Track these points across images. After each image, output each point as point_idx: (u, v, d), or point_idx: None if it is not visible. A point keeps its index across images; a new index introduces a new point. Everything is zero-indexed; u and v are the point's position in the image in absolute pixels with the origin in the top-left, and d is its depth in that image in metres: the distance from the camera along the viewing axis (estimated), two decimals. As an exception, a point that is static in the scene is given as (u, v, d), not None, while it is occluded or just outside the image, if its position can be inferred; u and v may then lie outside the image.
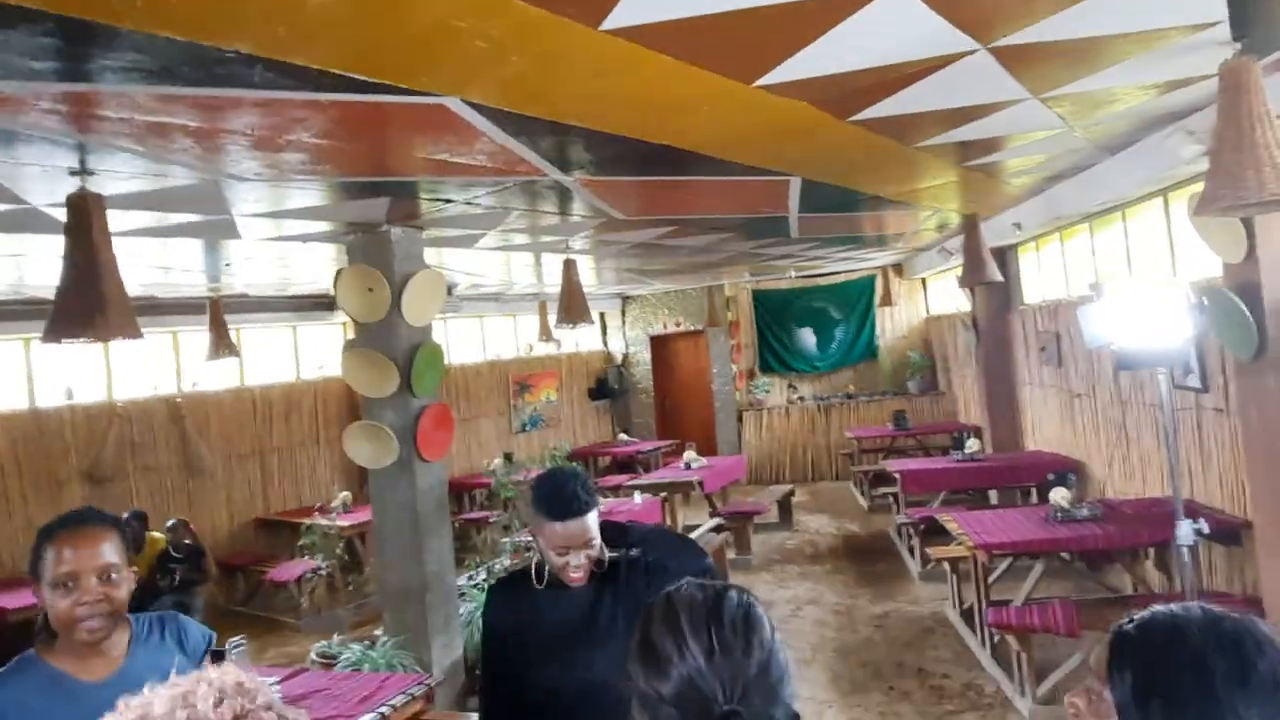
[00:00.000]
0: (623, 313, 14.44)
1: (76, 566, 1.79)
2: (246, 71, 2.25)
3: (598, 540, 2.10)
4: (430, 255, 6.64)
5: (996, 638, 4.99)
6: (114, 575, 1.84)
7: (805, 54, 2.70)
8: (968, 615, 5.74)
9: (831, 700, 5.02)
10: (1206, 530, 3.50)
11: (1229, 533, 4.56)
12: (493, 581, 2.41)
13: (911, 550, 7.55)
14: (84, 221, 2.93)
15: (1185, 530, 3.47)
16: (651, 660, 1.21)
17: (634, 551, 2.22)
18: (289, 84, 2.42)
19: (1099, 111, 3.96)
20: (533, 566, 2.18)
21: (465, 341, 11.94)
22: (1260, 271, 3.67)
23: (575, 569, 2.06)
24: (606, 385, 14.04)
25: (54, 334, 2.85)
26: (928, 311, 12.88)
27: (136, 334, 3.01)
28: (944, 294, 11.99)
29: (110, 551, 1.84)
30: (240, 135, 2.89)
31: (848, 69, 2.93)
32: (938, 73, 3.09)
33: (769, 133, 3.75)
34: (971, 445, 7.92)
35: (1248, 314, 3.67)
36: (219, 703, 0.80)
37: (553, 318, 9.84)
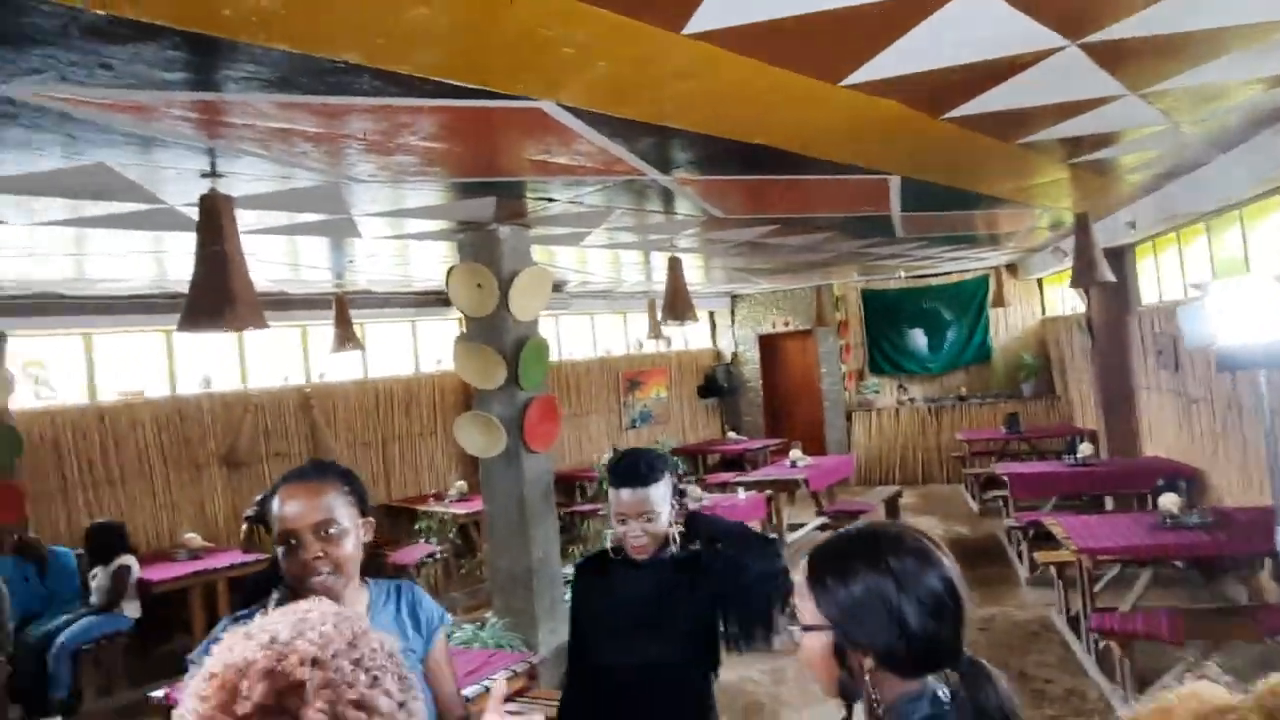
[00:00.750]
0: (732, 311, 14.48)
1: (295, 524, 1.72)
2: (356, 80, 2.48)
3: (659, 516, 2.22)
4: (540, 253, 6.92)
5: (1101, 644, 4.84)
6: (332, 530, 1.73)
7: (887, 54, 2.74)
8: (1074, 621, 5.56)
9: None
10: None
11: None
12: (579, 560, 2.59)
13: (1020, 555, 7.33)
14: (214, 220, 3.26)
15: (1288, 536, 3.31)
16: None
17: (704, 545, 2.33)
18: (395, 91, 2.65)
19: (1205, 107, 3.81)
20: (609, 542, 2.34)
21: (576, 338, 12.24)
22: (1390, 266, 3.45)
23: (634, 538, 2.21)
24: (715, 383, 14.11)
25: (188, 324, 3.18)
26: (1043, 313, 12.39)
27: (263, 325, 3.31)
28: (1059, 295, 11.51)
29: (329, 506, 1.74)
30: (354, 139, 3.15)
31: (932, 67, 2.95)
32: (1028, 70, 3.06)
33: (858, 131, 3.77)
34: (1084, 450, 7.62)
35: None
36: (337, 623, 0.83)
37: (661, 315, 10.04)
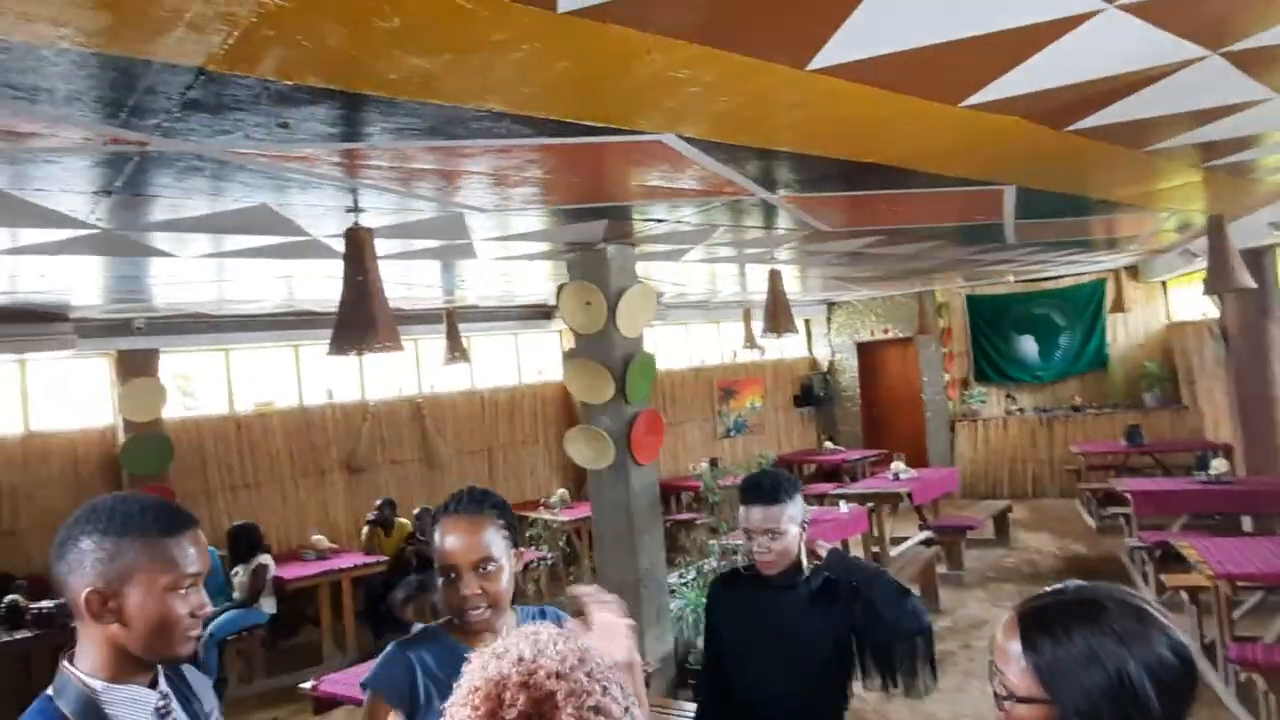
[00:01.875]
0: (828, 319, 14.30)
1: (455, 560, 1.78)
2: (495, 125, 2.60)
3: (786, 534, 2.29)
4: (639, 267, 7.02)
5: (1242, 676, 4.59)
6: (490, 567, 1.79)
7: (1013, 75, 2.71)
8: (1209, 650, 5.29)
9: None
10: None
11: None
12: (714, 577, 2.67)
13: (1145, 577, 7.01)
14: (358, 251, 3.46)
15: None
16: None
17: (842, 579, 2.35)
18: (528, 132, 2.76)
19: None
20: (741, 558, 2.40)
21: (671, 348, 12.32)
22: None
23: (760, 553, 2.30)
24: (811, 392, 13.97)
25: (338, 347, 3.39)
26: (1168, 318, 11.76)
27: (399, 347, 3.50)
28: (1187, 299, 10.92)
29: (488, 544, 1.80)
30: (484, 175, 3.29)
31: (1059, 84, 2.89)
32: (1165, 80, 2.96)
33: (977, 147, 3.71)
34: (1218, 466, 7.22)
35: None
36: (562, 642, 0.97)
37: (757, 325, 10.02)
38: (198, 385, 8.05)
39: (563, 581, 8.37)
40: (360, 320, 3.37)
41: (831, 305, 14.18)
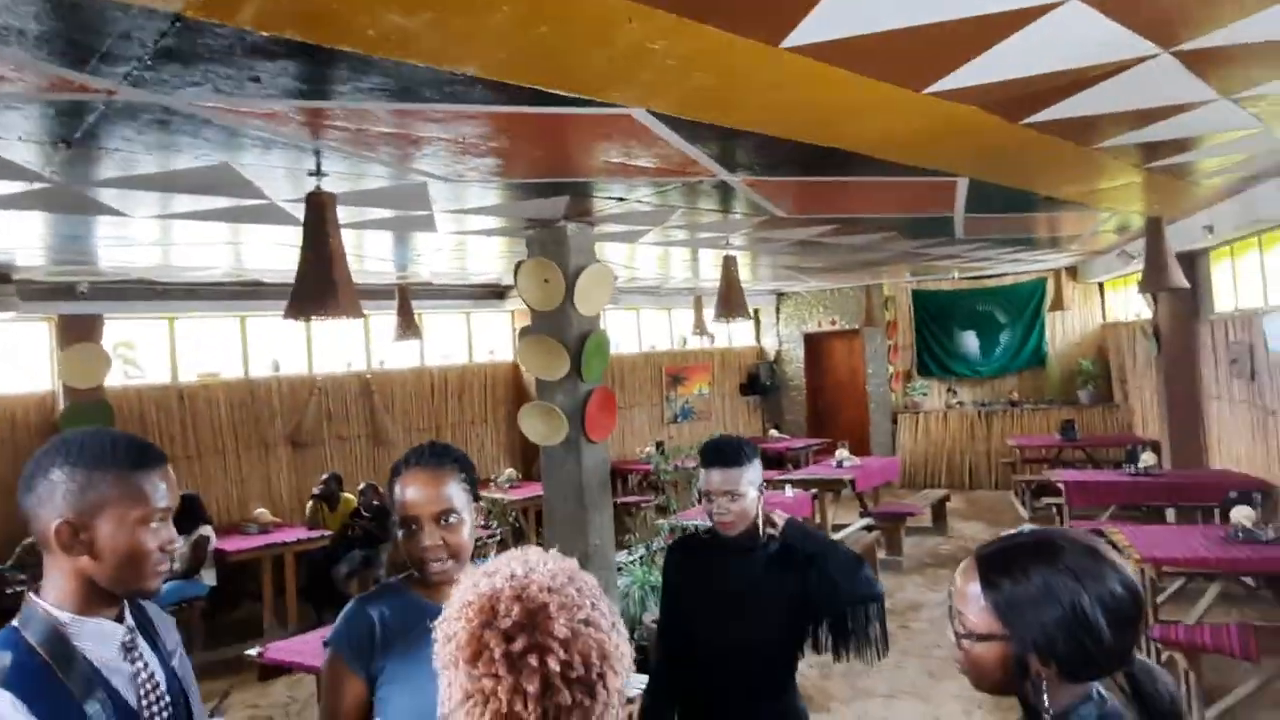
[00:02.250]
0: (777, 309, 14.47)
1: (416, 511, 1.76)
2: (469, 90, 2.59)
3: (745, 496, 2.36)
4: (596, 248, 7.01)
5: (1164, 656, 4.81)
6: (452, 519, 1.77)
7: (977, 63, 2.78)
8: (1132, 633, 5.52)
9: (980, 701, 5.00)
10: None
11: None
12: (672, 541, 2.75)
13: (1074, 564, 7.27)
14: (320, 216, 3.41)
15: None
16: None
17: (798, 546, 2.42)
18: (500, 99, 2.75)
19: (1300, 111, 3.77)
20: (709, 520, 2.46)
21: (622, 333, 12.34)
22: None
23: (720, 514, 2.36)
24: (758, 381, 14.13)
25: (295, 311, 3.33)
26: (1104, 318, 12.19)
27: (360, 314, 3.46)
28: (1123, 300, 11.33)
29: (450, 495, 1.78)
30: (451, 143, 3.26)
31: (1020, 74, 2.97)
32: (1117, 76, 3.07)
33: (936, 135, 3.80)
34: (1147, 459, 7.53)
35: None
36: (549, 562, 1.00)
37: (708, 312, 10.09)
38: (141, 353, 7.82)
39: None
40: (320, 286, 3.32)
41: (781, 296, 14.35)
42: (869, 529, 8.49)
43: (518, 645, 0.91)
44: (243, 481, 7.96)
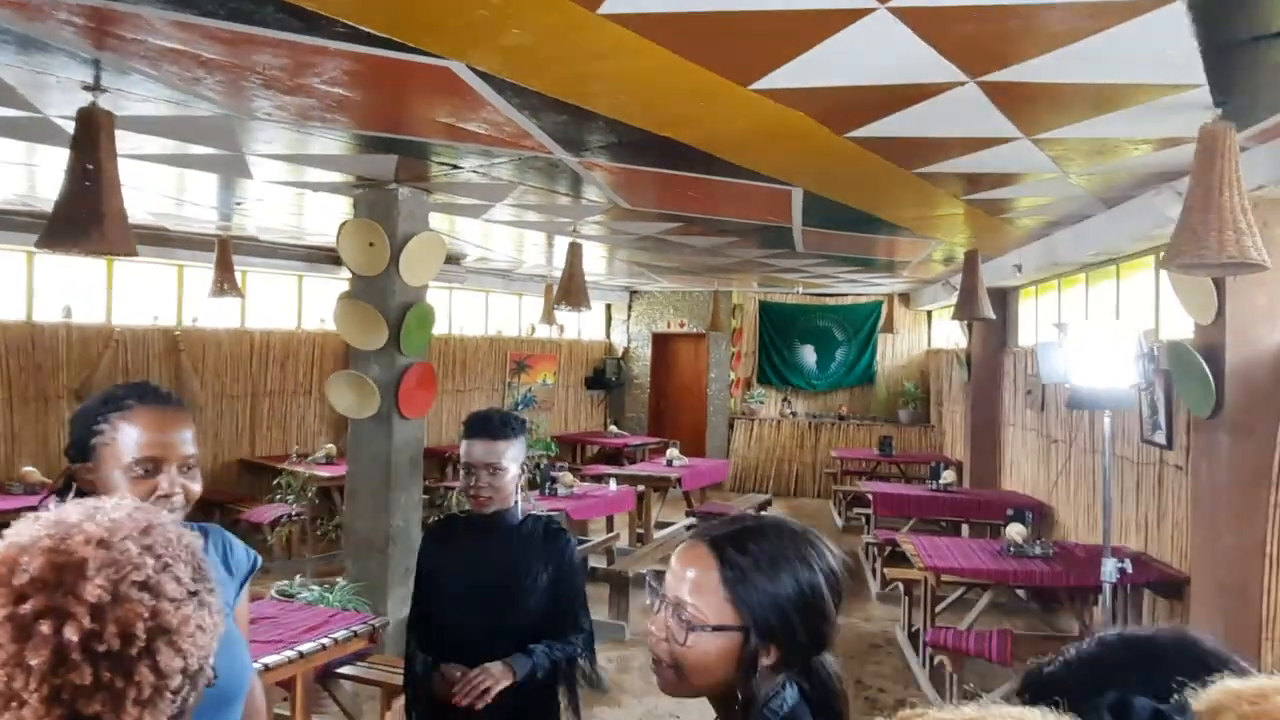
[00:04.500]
0: (629, 307, 14.53)
1: (162, 452, 1.59)
2: (259, 9, 2.37)
3: (506, 472, 2.27)
4: (442, 222, 6.77)
5: (936, 659, 5.08)
6: (193, 464, 1.66)
7: (798, 63, 2.80)
8: (914, 637, 5.83)
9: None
10: (1130, 570, 3.60)
11: (1171, 587, 4.65)
12: (430, 525, 2.59)
13: (874, 571, 7.64)
14: (92, 136, 3.06)
15: (1110, 567, 3.58)
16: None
17: (555, 525, 2.42)
18: (299, 27, 2.53)
19: (1093, 161, 4.05)
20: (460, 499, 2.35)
21: (468, 314, 12.05)
22: (1226, 334, 3.77)
23: (479, 488, 2.26)
24: (604, 376, 14.14)
25: (49, 241, 2.97)
26: (929, 344, 12.95)
27: (132, 251, 3.13)
28: (946, 329, 12.06)
29: (192, 439, 1.66)
30: (251, 73, 3.00)
31: (840, 83, 3.03)
32: (931, 100, 3.18)
33: (767, 137, 3.84)
34: (947, 477, 8.00)
35: (1209, 374, 3.77)
36: (130, 512, 0.84)
37: (555, 300, 9.98)
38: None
39: (310, 540, 7.95)
40: (84, 214, 2.97)
41: (634, 294, 14.42)
42: (689, 529, 8.61)
43: (27, 607, 0.74)
44: (15, 437, 7.15)
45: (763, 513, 1.48)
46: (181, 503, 1.63)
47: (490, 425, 2.28)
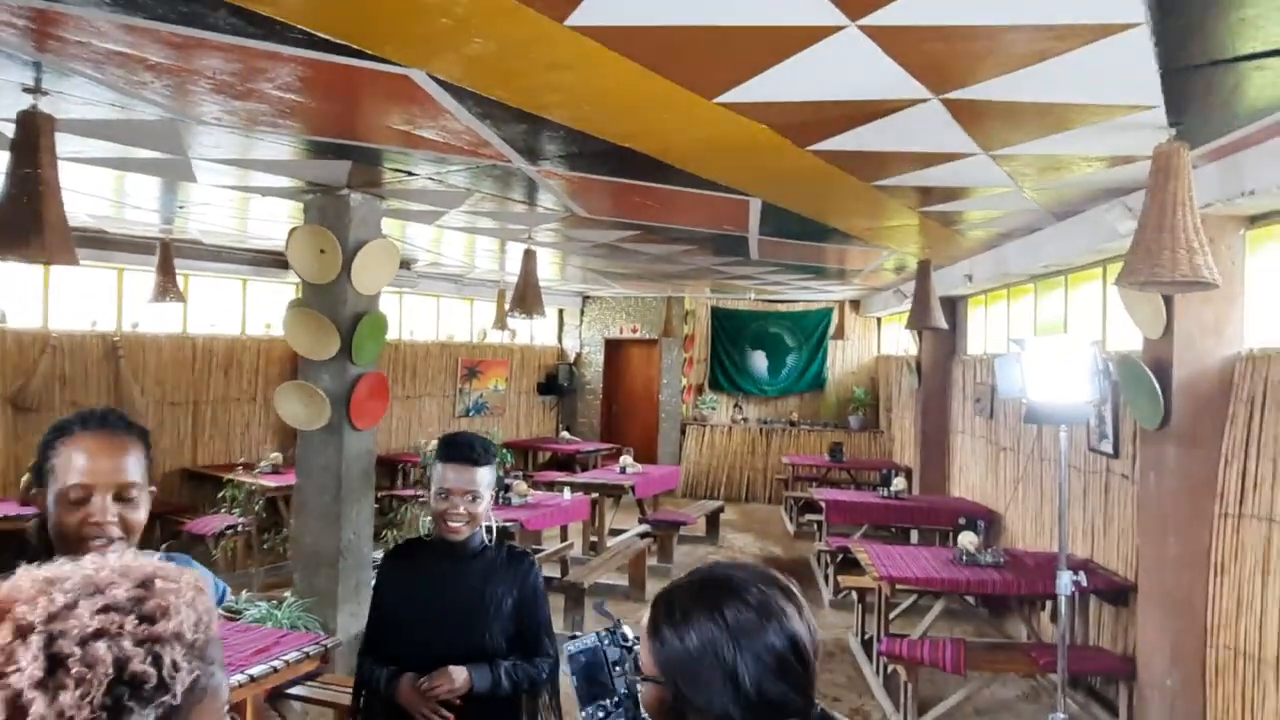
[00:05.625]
0: (581, 312, 14.47)
1: (93, 479, 1.55)
2: (211, 14, 2.27)
3: (481, 499, 2.23)
4: (393, 226, 6.64)
5: (890, 668, 5.12)
6: (133, 494, 1.60)
7: (763, 78, 2.79)
8: (867, 645, 5.88)
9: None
10: (1085, 583, 3.67)
11: (1118, 594, 4.75)
12: (386, 551, 2.51)
13: (826, 578, 7.69)
14: (32, 140, 2.92)
15: (1065, 581, 3.65)
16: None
17: (517, 549, 2.39)
18: (253, 33, 2.44)
19: (1047, 176, 4.12)
20: (429, 525, 2.29)
21: (418, 319, 11.87)
22: (1174, 349, 3.86)
23: (453, 518, 2.20)
24: (556, 382, 14.05)
25: (-15, 248, 2.83)
26: (879, 351, 13.12)
27: (73, 261, 2.99)
28: (895, 336, 12.23)
29: (134, 467, 1.61)
30: (200, 77, 2.89)
31: (804, 99, 3.03)
32: (894, 115, 3.20)
33: (728, 149, 3.83)
34: (898, 484, 8.10)
35: (1157, 386, 3.86)
36: (130, 565, 0.79)
37: (509, 306, 9.86)
38: None
39: (256, 552, 7.73)
40: (22, 222, 2.83)
41: (587, 299, 14.36)
42: (643, 535, 8.58)
43: None
44: (-59, 445, 6.85)
45: (728, 565, 1.46)
46: (118, 533, 1.57)
47: (471, 452, 2.22)
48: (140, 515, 1.62)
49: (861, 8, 2.23)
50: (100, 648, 0.70)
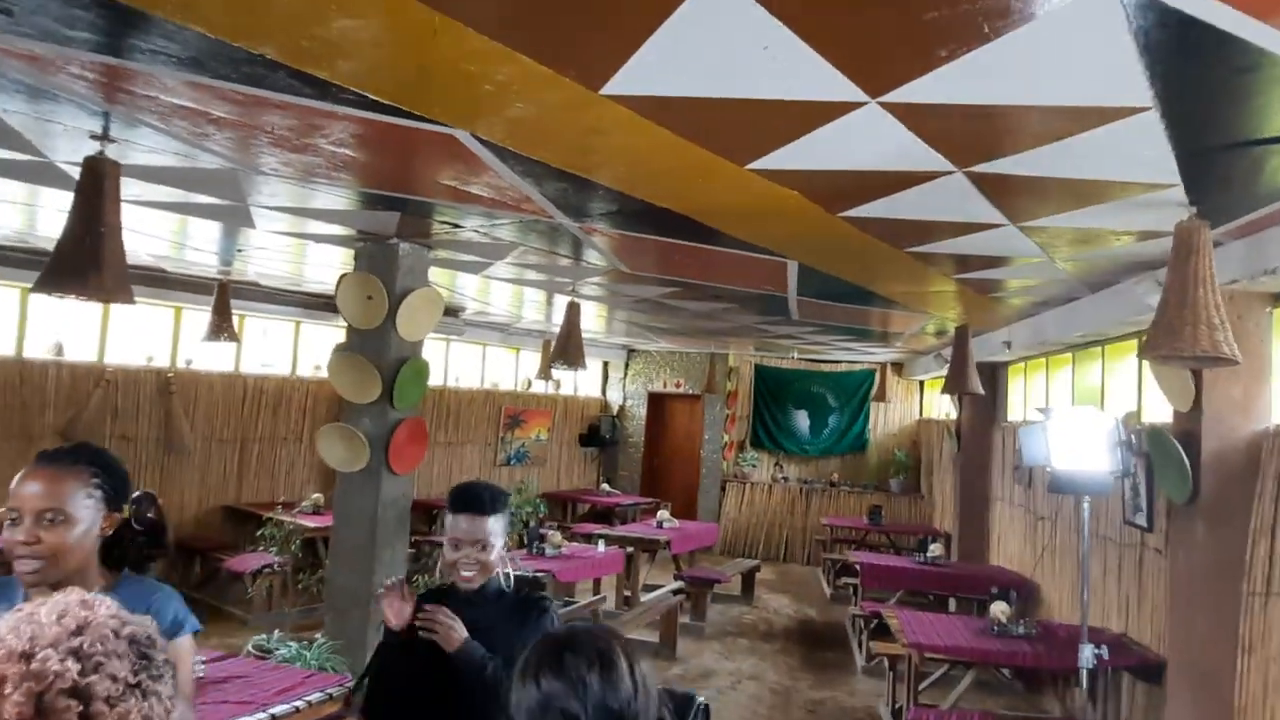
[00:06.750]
0: (626, 365, 14.59)
1: (19, 503, 1.72)
2: (270, 74, 2.45)
3: (493, 548, 2.25)
4: (442, 275, 6.86)
5: (918, 741, 5.01)
6: (53, 518, 1.72)
7: (790, 148, 2.89)
8: (897, 714, 5.75)
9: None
10: (1106, 656, 3.58)
11: (1150, 670, 4.60)
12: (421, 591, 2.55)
13: (860, 644, 7.55)
14: (97, 184, 3.12)
15: (1087, 654, 3.57)
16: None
17: (538, 596, 2.38)
18: (310, 93, 2.62)
19: (1077, 249, 4.14)
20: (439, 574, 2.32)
21: (464, 367, 12.09)
22: (1202, 422, 3.81)
23: (465, 567, 2.23)
24: (598, 434, 14.12)
25: (47, 285, 3.01)
26: (920, 414, 12.99)
27: (129, 300, 3.17)
28: (937, 400, 12.11)
29: (59, 495, 1.73)
30: (260, 132, 3.09)
31: (830, 167, 3.12)
32: (920, 186, 3.28)
33: (762, 214, 3.93)
34: (935, 550, 7.96)
35: (1186, 460, 3.80)
36: (62, 615, 0.86)
37: (552, 357, 10.01)
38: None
39: (291, 592, 7.83)
40: (81, 261, 3.02)
41: (632, 352, 14.49)
42: (677, 592, 8.53)
43: None
44: (-3, 472, 7.10)
45: (576, 627, 1.55)
46: (45, 551, 1.72)
47: (480, 502, 2.25)
48: (59, 538, 1.73)
49: (880, 86, 2.33)
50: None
